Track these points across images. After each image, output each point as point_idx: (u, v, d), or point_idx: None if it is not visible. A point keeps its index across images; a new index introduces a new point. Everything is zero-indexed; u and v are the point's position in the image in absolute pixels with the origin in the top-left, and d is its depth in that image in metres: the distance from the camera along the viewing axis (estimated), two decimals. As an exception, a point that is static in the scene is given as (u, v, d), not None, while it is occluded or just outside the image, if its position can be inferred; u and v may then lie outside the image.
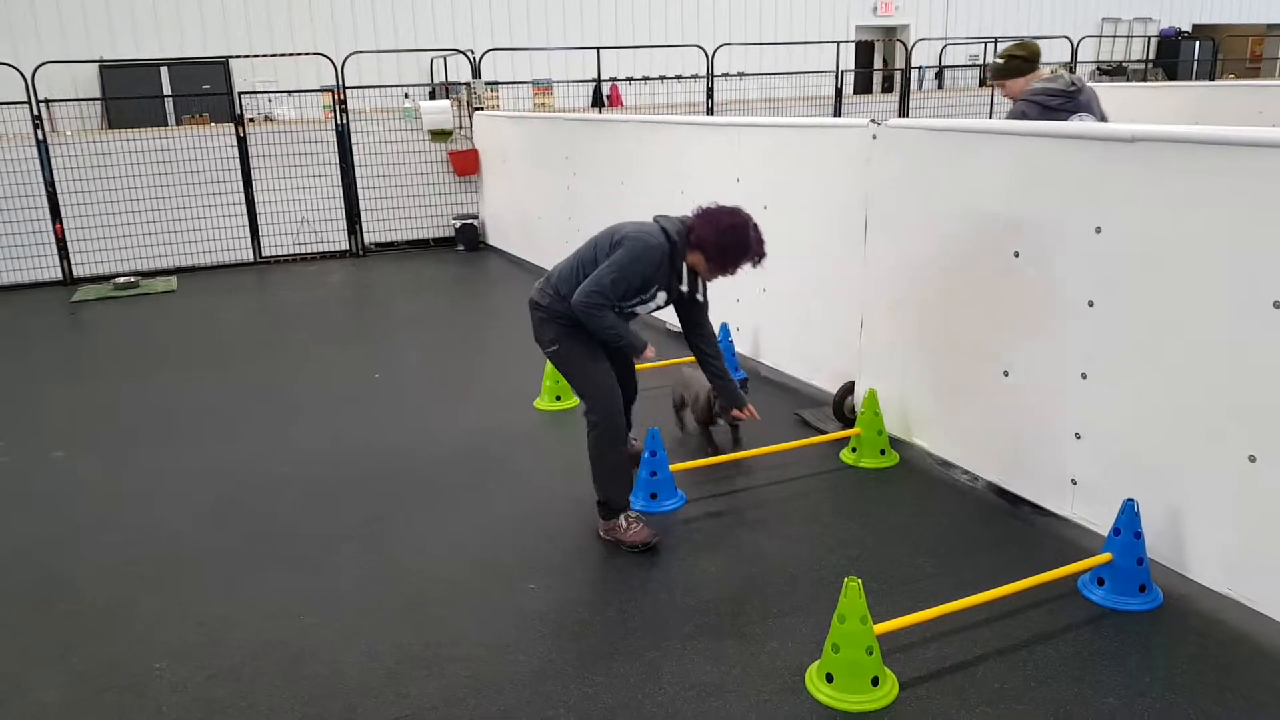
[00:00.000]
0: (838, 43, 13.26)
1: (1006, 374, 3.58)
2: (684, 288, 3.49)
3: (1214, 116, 8.75)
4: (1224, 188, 2.78)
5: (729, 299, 5.46)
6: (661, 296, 3.48)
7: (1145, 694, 2.56)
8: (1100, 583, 3.03)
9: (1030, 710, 2.52)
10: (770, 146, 5.04)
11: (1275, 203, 2.65)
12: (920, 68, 14.76)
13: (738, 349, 5.34)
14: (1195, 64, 17.94)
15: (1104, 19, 19.26)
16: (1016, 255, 3.48)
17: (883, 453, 4.11)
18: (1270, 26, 20.30)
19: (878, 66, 16.28)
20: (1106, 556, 3.02)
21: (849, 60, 15.13)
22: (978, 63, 16.16)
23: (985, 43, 16.01)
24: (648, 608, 3.07)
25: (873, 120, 4.13)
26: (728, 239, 3.33)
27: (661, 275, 3.40)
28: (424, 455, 4.36)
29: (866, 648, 2.55)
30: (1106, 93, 12.35)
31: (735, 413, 3.82)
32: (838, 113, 11.57)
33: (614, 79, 12.12)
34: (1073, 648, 2.78)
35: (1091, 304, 3.23)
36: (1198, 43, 18.60)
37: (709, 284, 3.59)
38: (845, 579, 2.54)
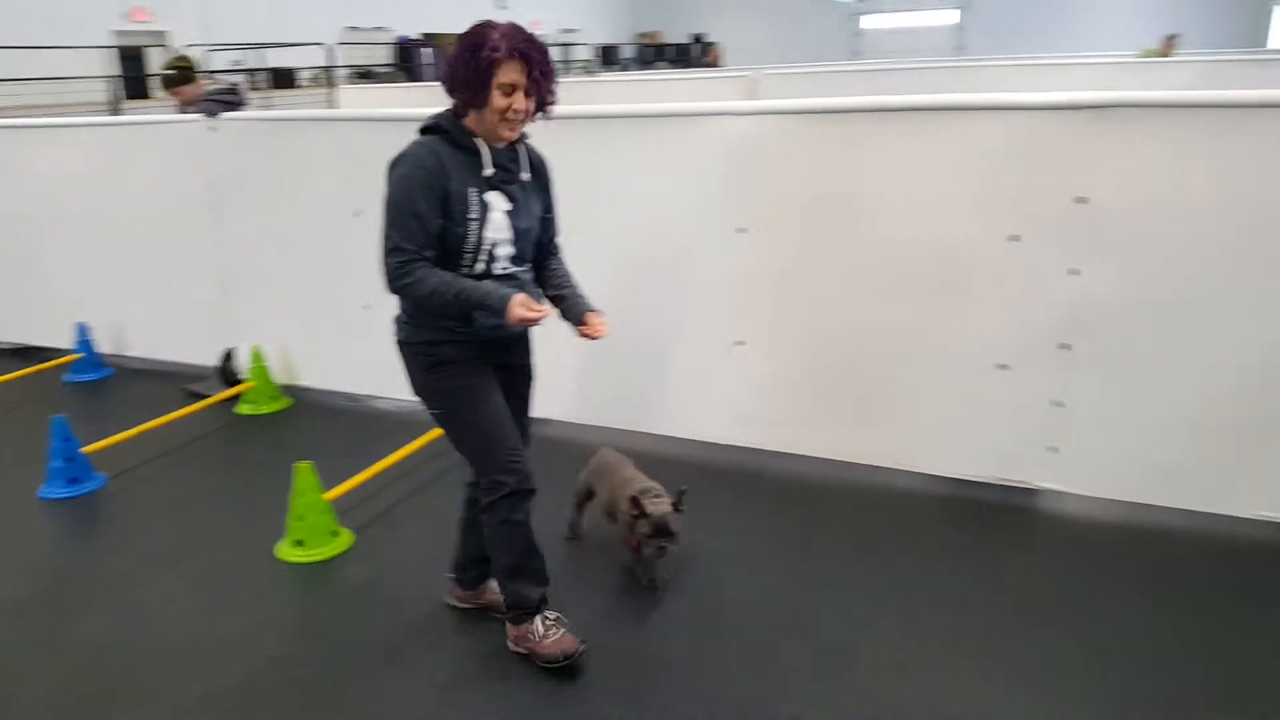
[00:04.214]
0: (93, 47, 12.67)
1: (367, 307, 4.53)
2: (488, 171, 2.44)
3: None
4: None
5: (78, 298, 5.47)
6: (495, 201, 2.45)
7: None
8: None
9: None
10: (103, 144, 5.26)
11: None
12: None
13: (100, 349, 5.40)
14: (430, 67, 20.96)
15: (347, 28, 21.26)
16: (356, 215, 4.43)
17: (275, 398, 4.79)
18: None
19: (151, 71, 15.77)
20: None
21: (115, 66, 14.52)
22: (241, 68, 16.70)
23: (248, 48, 16.66)
24: (110, 557, 3.38)
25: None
26: (455, 54, 2.40)
27: (451, 174, 2.39)
28: None
29: (322, 510, 3.32)
30: (361, 94, 13.87)
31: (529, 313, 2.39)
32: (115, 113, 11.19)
33: None
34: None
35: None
36: (429, 49, 21.76)
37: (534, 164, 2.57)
38: (295, 464, 3.27)
